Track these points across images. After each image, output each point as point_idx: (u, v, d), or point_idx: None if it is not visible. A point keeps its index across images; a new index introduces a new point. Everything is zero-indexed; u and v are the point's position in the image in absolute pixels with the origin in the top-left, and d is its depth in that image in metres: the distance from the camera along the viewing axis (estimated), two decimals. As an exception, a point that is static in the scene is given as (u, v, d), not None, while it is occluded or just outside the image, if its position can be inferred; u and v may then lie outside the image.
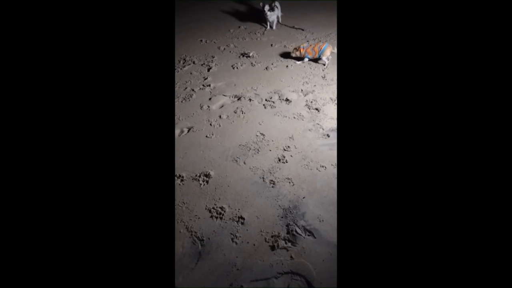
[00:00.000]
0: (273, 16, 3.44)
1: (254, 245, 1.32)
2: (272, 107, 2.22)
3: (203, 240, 1.35)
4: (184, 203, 1.53)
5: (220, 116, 2.15)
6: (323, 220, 1.40)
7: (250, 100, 2.30)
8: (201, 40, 3.36)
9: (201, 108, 2.26)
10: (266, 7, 3.37)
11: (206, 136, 1.98)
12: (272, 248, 1.30)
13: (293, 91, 2.37)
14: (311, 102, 2.22)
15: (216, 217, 1.45)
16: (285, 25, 3.61)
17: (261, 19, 3.66)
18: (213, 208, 1.50)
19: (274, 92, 2.37)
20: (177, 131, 2.05)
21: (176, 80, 2.64)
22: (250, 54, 2.94)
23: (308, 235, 1.34)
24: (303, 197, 1.52)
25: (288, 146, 1.85)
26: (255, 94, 2.38)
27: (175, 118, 2.16)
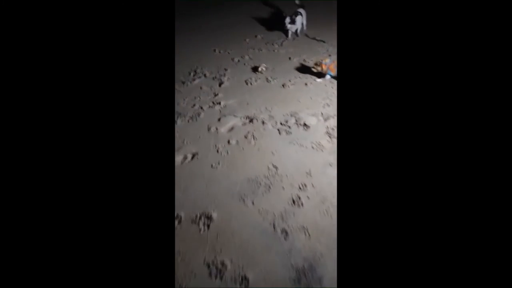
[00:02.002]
0: (293, 28, 3.21)
1: (258, 321, 1.07)
2: (287, 133, 1.97)
3: (197, 307, 1.12)
4: (180, 254, 1.30)
5: (228, 142, 1.92)
6: (345, 292, 1.13)
7: (263, 123, 2.06)
8: (215, 50, 3.16)
9: (208, 131, 2.04)
10: (287, 20, 3.14)
11: (212, 166, 1.75)
12: (281, 327, 1.05)
13: (312, 115, 2.11)
14: (332, 129, 1.95)
15: (216, 276, 1.22)
16: (305, 35, 3.35)
17: (280, 27, 3.43)
18: (213, 262, 1.26)
19: (291, 115, 2.12)
20: (180, 158, 1.84)
21: (185, 95, 2.44)
22: (259, 69, 2.69)
23: (327, 313, 1.08)
24: (321, 254, 1.26)
25: (305, 184, 1.59)
26: (269, 116, 2.13)
27: (180, 141, 1.95)
